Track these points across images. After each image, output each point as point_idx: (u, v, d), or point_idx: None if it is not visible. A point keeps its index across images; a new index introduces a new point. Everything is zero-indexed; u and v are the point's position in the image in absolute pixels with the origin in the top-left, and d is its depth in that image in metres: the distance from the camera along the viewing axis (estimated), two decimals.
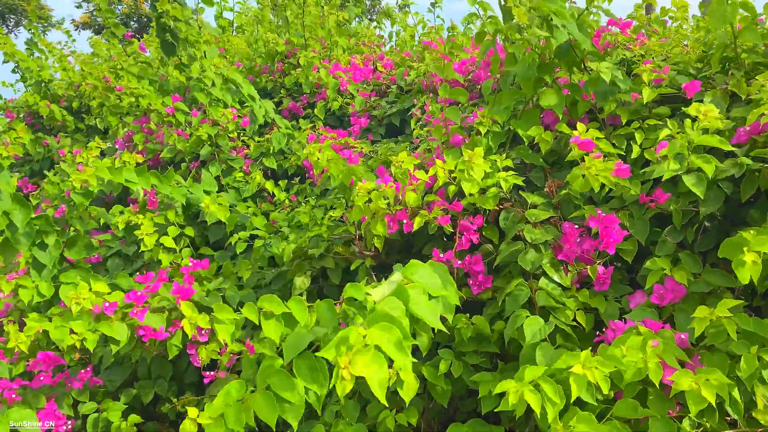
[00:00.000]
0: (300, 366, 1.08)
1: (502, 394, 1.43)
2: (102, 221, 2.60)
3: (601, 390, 1.16)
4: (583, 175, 1.50)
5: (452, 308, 1.20)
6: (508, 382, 1.20)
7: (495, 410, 1.44)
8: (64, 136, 4.19)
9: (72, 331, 1.61)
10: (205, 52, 3.20)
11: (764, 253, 1.14)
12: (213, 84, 3.09)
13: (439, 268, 1.19)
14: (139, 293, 1.68)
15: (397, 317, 0.94)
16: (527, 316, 1.44)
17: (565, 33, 1.60)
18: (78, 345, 1.59)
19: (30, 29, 4.92)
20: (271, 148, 3.10)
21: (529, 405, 1.28)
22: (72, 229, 2.21)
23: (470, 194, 1.66)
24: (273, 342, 1.28)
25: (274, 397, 1.06)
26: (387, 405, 0.90)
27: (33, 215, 1.77)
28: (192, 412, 1.22)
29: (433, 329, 1.77)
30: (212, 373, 1.73)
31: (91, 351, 1.60)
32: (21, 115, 4.67)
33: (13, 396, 1.65)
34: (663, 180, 1.48)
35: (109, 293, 1.68)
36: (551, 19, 1.74)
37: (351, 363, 0.88)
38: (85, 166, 2.14)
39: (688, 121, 1.47)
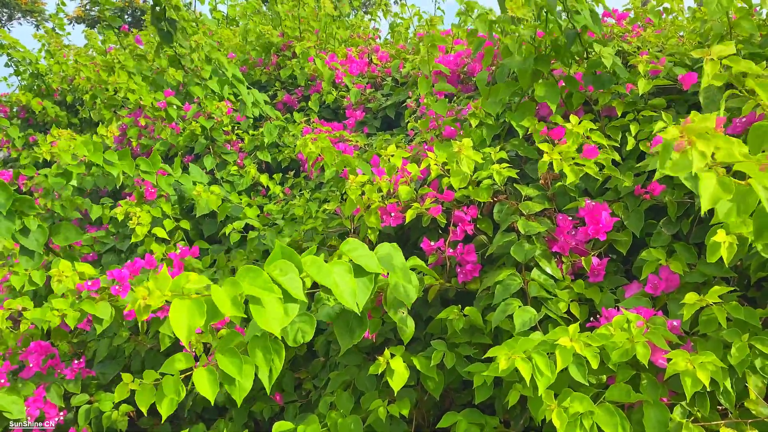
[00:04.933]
0: (255, 346, 1.10)
1: (498, 384, 1.44)
2: (96, 216, 2.59)
3: (591, 366, 1.16)
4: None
5: (412, 289, 1.23)
6: (500, 348, 1.20)
7: (489, 400, 1.44)
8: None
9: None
10: (200, 44, 3.18)
11: (750, 240, 1.13)
12: (211, 77, 3.07)
13: (395, 250, 1.21)
14: (122, 271, 1.67)
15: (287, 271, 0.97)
16: (519, 306, 1.44)
17: (582, 20, 1.61)
18: (58, 321, 1.57)
19: (49, 20, 4.89)
20: (265, 141, 3.09)
21: (523, 397, 1.28)
22: (55, 214, 2.19)
23: (459, 188, 1.66)
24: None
25: (217, 373, 1.08)
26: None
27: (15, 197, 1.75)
28: (126, 377, 1.22)
29: (426, 319, 1.77)
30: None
31: (72, 327, 1.58)
32: (14, 110, 4.64)
33: (2, 381, 1.63)
34: (655, 175, 1.48)
35: (93, 277, 1.66)
36: (547, 12, 1.73)
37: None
38: (61, 142, 2.10)
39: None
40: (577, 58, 1.94)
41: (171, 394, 1.09)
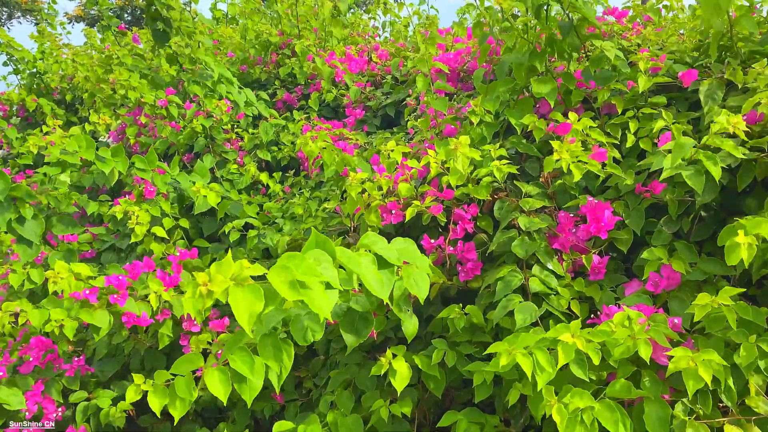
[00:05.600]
0: (265, 344, 1.09)
1: (498, 383, 1.43)
2: (91, 212, 2.58)
3: (592, 362, 1.15)
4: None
5: (425, 282, 1.22)
6: (501, 344, 1.20)
7: (490, 399, 1.44)
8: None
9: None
10: (199, 42, 3.18)
11: (763, 238, 1.13)
12: (208, 73, 3.05)
13: (410, 244, 1.20)
14: (120, 277, 1.66)
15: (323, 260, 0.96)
16: (520, 302, 1.44)
17: (585, 11, 1.60)
18: (57, 332, 1.57)
19: (46, 18, 4.89)
20: (262, 140, 3.09)
21: (523, 396, 1.28)
22: (51, 205, 2.18)
23: (457, 186, 1.65)
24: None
25: (229, 372, 1.07)
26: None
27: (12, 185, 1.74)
28: (138, 378, 1.20)
29: (427, 318, 1.76)
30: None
31: (70, 337, 1.58)
32: (14, 108, 4.63)
33: (0, 374, 1.63)
34: (662, 175, 1.47)
35: (91, 278, 1.66)
36: (546, 8, 1.73)
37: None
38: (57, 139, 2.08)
39: (714, 126, 1.44)
40: (576, 55, 1.94)
41: (183, 394, 1.08)
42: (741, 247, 1.09)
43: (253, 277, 0.92)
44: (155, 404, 1.09)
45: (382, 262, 1.08)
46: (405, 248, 1.19)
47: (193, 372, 1.11)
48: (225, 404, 1.09)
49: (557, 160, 1.51)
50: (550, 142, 1.57)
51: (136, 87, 3.21)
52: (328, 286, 0.94)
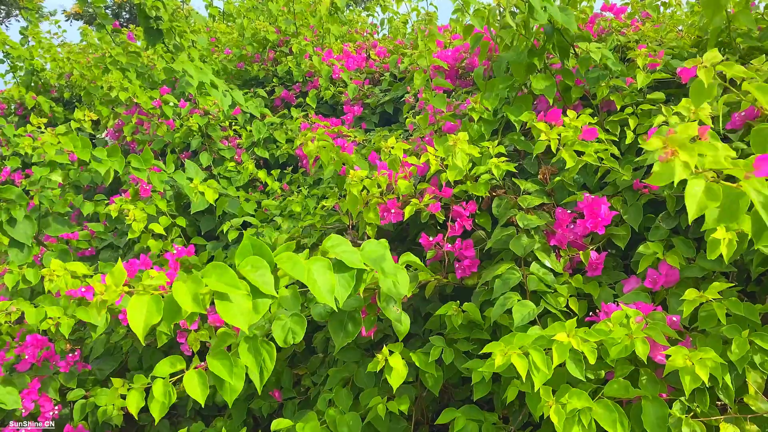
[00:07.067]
0: (245, 347, 1.11)
1: (496, 380, 1.43)
2: (87, 213, 2.58)
3: (589, 361, 1.15)
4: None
5: (405, 283, 1.24)
6: (496, 345, 1.19)
7: (488, 396, 1.43)
8: (48, 124, 4.13)
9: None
10: (193, 41, 3.16)
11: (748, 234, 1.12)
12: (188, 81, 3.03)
13: (380, 245, 1.19)
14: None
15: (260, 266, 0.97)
16: (518, 300, 1.43)
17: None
18: (53, 330, 1.57)
19: (27, 17, 4.86)
20: (257, 138, 3.07)
21: (522, 393, 1.27)
22: (43, 206, 2.17)
23: (455, 182, 1.65)
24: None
25: (207, 375, 1.09)
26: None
27: None
28: (117, 382, 1.22)
29: (425, 315, 1.76)
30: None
31: (66, 335, 1.59)
32: (12, 107, 4.61)
33: None
34: (653, 167, 1.47)
35: (87, 276, 1.65)
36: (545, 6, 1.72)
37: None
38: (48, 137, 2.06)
39: (674, 118, 1.45)
40: (573, 53, 1.93)
41: (162, 398, 1.11)
42: (721, 243, 1.08)
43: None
44: (132, 407, 1.13)
45: (340, 266, 1.07)
46: (375, 251, 1.19)
47: (177, 374, 1.13)
48: (203, 405, 1.12)
49: (548, 154, 1.50)
50: (535, 124, 1.56)
51: (127, 87, 3.19)
52: (261, 294, 0.94)
